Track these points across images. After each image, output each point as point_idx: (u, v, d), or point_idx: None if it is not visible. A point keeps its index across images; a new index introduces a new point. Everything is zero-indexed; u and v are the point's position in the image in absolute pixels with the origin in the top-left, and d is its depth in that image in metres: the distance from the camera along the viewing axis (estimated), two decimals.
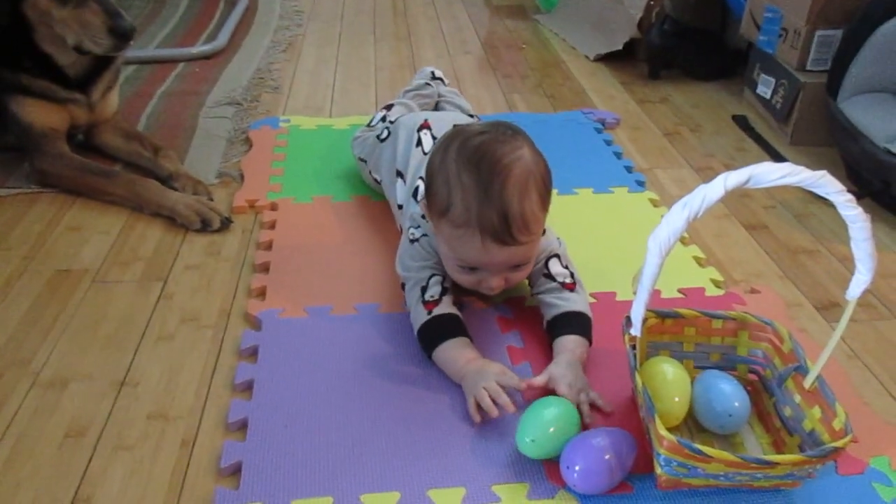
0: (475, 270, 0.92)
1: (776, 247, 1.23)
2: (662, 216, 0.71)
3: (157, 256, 1.17)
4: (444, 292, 0.96)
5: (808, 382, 0.79)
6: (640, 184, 1.38)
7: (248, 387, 0.90)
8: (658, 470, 0.75)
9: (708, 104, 1.80)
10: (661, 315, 0.88)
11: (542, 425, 0.78)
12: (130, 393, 0.90)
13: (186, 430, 0.85)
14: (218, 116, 1.64)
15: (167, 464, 0.81)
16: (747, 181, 0.67)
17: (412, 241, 1.00)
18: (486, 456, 0.81)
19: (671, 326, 0.89)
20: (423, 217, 1.00)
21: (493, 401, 0.82)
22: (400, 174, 1.15)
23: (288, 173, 1.39)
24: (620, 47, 2.01)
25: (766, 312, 1.03)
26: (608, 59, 2.05)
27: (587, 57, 2.09)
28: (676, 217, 0.69)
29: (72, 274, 1.12)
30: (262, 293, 1.07)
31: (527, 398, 0.85)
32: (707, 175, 1.45)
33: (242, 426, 0.85)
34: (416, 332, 0.94)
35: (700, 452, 0.69)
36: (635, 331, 0.78)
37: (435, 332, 0.92)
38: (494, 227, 0.86)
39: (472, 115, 1.38)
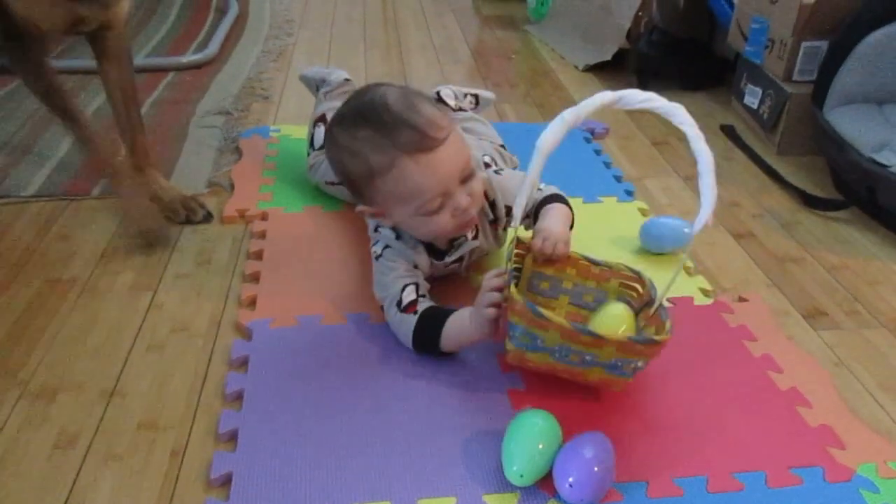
0: (441, 207, 0.93)
1: (764, 255, 1.24)
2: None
3: (147, 266, 1.16)
4: (420, 296, 0.97)
5: (651, 311, 0.90)
6: (630, 193, 1.39)
7: (238, 397, 0.90)
8: (507, 346, 0.86)
9: (696, 114, 1.77)
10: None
11: (529, 450, 0.77)
12: (120, 403, 0.90)
13: (176, 440, 0.85)
14: (208, 126, 1.65)
15: (157, 474, 0.80)
16: (619, 100, 0.84)
17: (377, 258, 1.01)
18: (477, 465, 0.81)
19: (556, 263, 0.99)
20: (375, 230, 1.03)
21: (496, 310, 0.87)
22: None
23: (278, 183, 1.39)
24: (609, 57, 2.03)
25: (754, 320, 1.05)
26: (597, 69, 2.07)
27: (576, 67, 2.11)
28: (558, 126, 0.86)
29: (61, 283, 1.12)
30: (252, 303, 1.07)
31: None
32: (695, 184, 1.45)
33: (233, 436, 0.85)
34: (410, 340, 0.94)
35: (541, 315, 0.79)
36: (515, 223, 0.90)
37: (430, 322, 0.93)
38: (413, 140, 0.89)
39: (502, 145, 1.32)
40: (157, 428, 0.86)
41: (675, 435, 0.86)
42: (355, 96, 0.99)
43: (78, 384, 0.93)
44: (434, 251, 1.02)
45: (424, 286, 0.99)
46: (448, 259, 1.04)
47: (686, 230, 1.17)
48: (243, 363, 0.96)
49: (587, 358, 0.82)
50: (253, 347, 0.98)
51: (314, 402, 0.89)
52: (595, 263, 0.98)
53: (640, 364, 0.83)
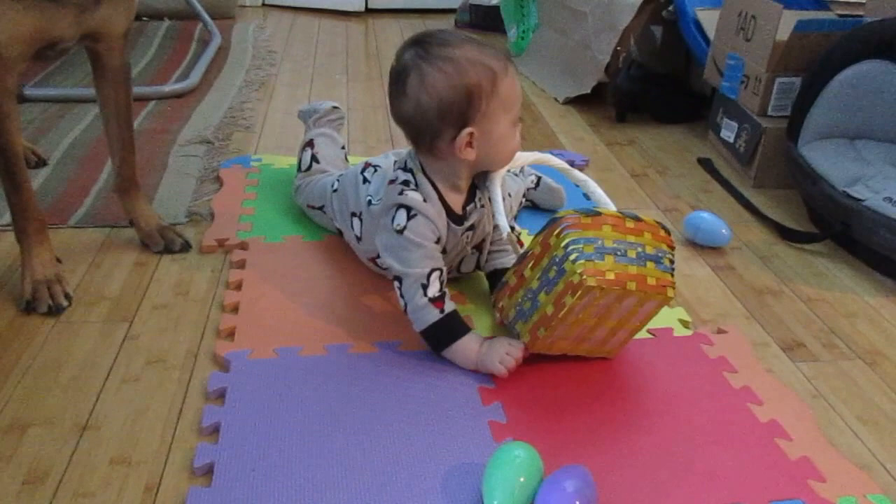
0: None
1: (742, 287, 1.25)
2: None
3: (124, 296, 1.15)
4: (443, 288, 0.99)
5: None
6: None
7: (214, 430, 0.89)
8: (522, 330, 0.98)
9: (674, 147, 1.84)
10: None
11: (510, 484, 0.77)
12: (93, 437, 0.88)
13: (150, 475, 0.83)
14: (189, 155, 1.64)
15: None
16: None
17: (399, 231, 0.98)
18: (458, 498, 0.80)
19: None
20: (400, 194, 0.99)
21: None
22: (354, 214, 1.17)
23: (259, 212, 1.38)
24: (589, 91, 2.06)
25: (733, 352, 1.05)
26: (577, 101, 2.10)
27: (556, 99, 2.14)
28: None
29: (35, 314, 1.09)
30: (230, 334, 1.06)
31: None
32: (674, 216, 1.47)
33: (209, 471, 0.83)
34: (423, 327, 0.99)
35: (591, 212, 0.94)
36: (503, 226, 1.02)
37: (449, 330, 0.99)
38: (501, 51, 0.98)
39: None
40: (131, 463, 0.84)
41: (657, 468, 0.85)
42: (418, 41, 0.96)
43: (49, 418, 0.90)
44: (453, 218, 1.03)
45: (445, 276, 1.01)
46: (465, 224, 1.05)
47: (724, 231, 1.35)
48: (220, 396, 0.94)
49: (639, 251, 0.92)
50: (231, 379, 0.96)
51: (292, 436, 0.88)
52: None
53: (671, 256, 0.95)
